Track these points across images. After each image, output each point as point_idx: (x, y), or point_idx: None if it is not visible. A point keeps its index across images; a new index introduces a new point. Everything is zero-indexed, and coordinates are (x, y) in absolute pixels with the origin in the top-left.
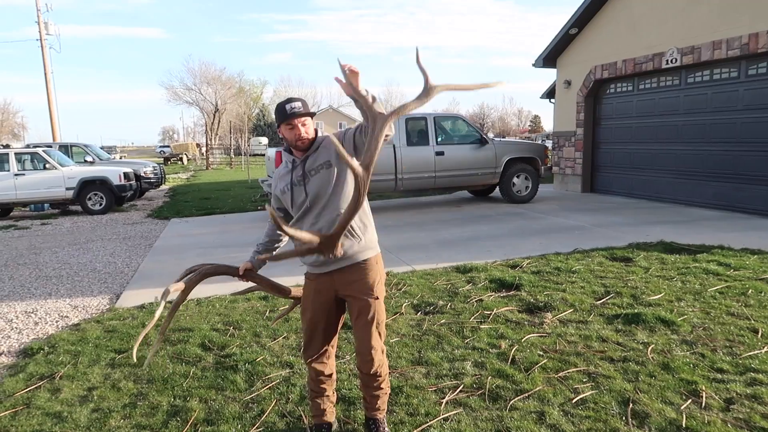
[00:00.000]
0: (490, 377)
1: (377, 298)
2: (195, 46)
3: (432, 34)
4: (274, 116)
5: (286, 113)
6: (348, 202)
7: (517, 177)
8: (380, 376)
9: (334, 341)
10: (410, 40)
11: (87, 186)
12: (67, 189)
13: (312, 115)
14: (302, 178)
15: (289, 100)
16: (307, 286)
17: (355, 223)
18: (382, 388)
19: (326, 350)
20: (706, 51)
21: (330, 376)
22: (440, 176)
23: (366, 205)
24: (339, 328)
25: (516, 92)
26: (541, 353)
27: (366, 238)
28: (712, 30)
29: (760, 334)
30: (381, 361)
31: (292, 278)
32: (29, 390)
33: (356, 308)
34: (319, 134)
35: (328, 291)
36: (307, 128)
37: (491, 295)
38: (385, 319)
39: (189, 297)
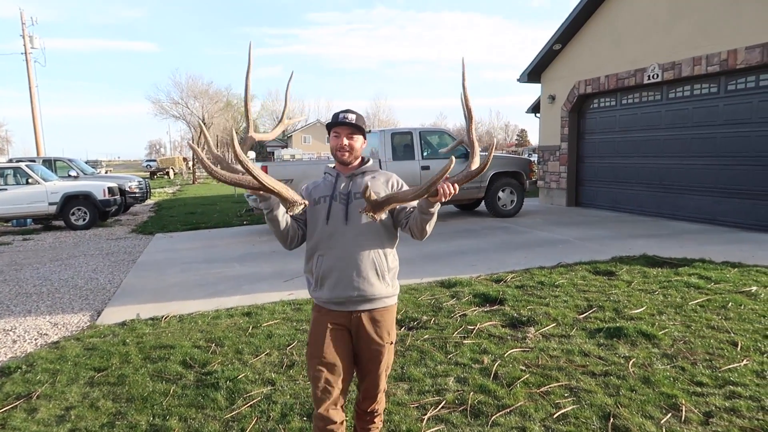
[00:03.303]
0: (472, 393)
1: (392, 344)
2: (187, 60)
3: (423, 48)
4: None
5: (336, 119)
6: (384, 241)
7: (503, 191)
8: (378, 413)
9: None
10: (401, 53)
11: (70, 201)
12: (50, 204)
13: (363, 132)
14: (346, 198)
15: (346, 110)
16: (319, 321)
17: (387, 266)
18: (375, 423)
19: (341, 396)
20: (687, 67)
21: (342, 423)
22: None
23: (395, 250)
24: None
25: (503, 106)
26: (524, 368)
27: (394, 283)
28: (693, 46)
29: (739, 347)
30: (382, 400)
31: (276, 294)
32: (5, 410)
33: (370, 352)
34: (365, 160)
35: (344, 326)
36: (352, 142)
37: (475, 310)
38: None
39: (172, 312)
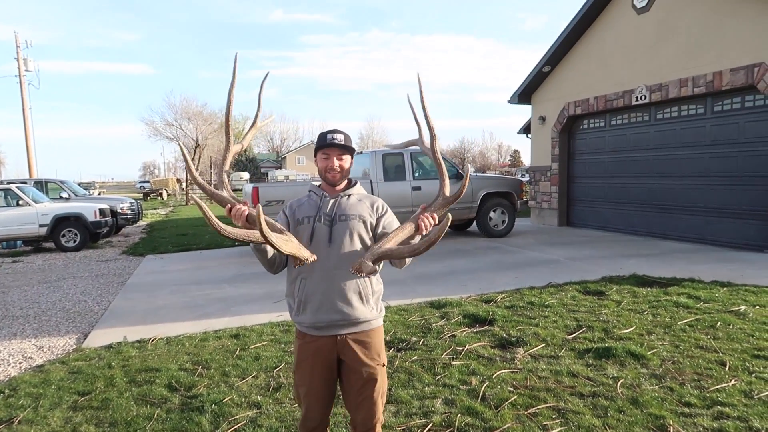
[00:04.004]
0: (459, 415)
1: (384, 365)
2: (181, 82)
3: (417, 70)
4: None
5: (325, 140)
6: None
7: (494, 211)
8: None
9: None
10: (395, 75)
11: (61, 222)
12: (41, 226)
13: (352, 152)
14: (331, 220)
15: (333, 131)
16: (303, 348)
17: (372, 289)
18: None
19: (326, 420)
20: (674, 88)
21: None
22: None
23: (379, 273)
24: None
25: (496, 127)
26: (512, 389)
27: (378, 306)
28: (679, 68)
29: (727, 366)
30: None
31: (265, 315)
32: None
33: (361, 377)
34: (352, 182)
35: (330, 352)
36: (342, 163)
37: (464, 331)
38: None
39: (159, 335)
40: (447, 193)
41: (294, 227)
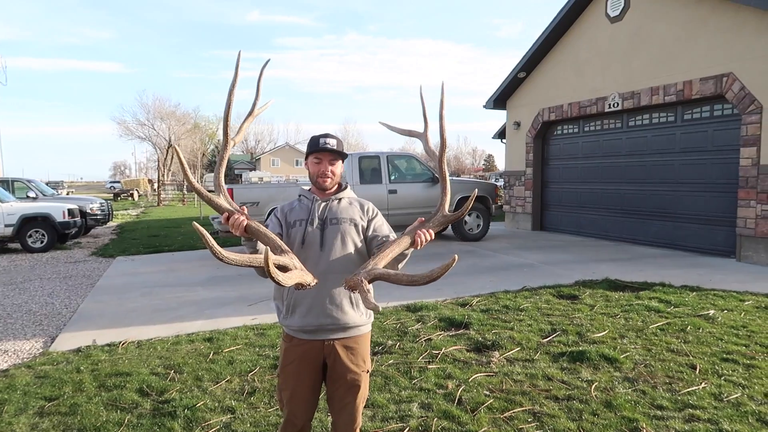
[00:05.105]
0: (436, 419)
1: (368, 372)
2: (155, 82)
3: (394, 74)
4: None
5: (317, 145)
6: (357, 264)
7: (469, 215)
8: None
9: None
10: (371, 79)
11: (28, 222)
12: (6, 226)
13: (344, 157)
14: (321, 224)
15: (326, 135)
16: (289, 351)
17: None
18: None
19: (308, 426)
20: (645, 96)
21: None
22: (393, 214)
23: None
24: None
25: (471, 132)
26: (488, 393)
27: (368, 311)
28: (651, 76)
29: (698, 370)
30: None
31: (239, 318)
32: None
33: (347, 382)
34: (343, 185)
35: (317, 357)
36: (333, 168)
37: (440, 334)
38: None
39: (130, 338)
40: (446, 210)
41: (287, 230)
